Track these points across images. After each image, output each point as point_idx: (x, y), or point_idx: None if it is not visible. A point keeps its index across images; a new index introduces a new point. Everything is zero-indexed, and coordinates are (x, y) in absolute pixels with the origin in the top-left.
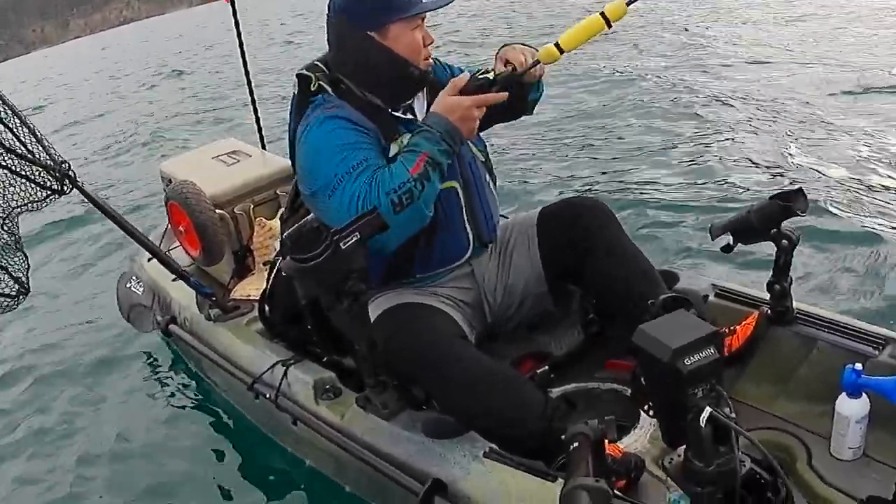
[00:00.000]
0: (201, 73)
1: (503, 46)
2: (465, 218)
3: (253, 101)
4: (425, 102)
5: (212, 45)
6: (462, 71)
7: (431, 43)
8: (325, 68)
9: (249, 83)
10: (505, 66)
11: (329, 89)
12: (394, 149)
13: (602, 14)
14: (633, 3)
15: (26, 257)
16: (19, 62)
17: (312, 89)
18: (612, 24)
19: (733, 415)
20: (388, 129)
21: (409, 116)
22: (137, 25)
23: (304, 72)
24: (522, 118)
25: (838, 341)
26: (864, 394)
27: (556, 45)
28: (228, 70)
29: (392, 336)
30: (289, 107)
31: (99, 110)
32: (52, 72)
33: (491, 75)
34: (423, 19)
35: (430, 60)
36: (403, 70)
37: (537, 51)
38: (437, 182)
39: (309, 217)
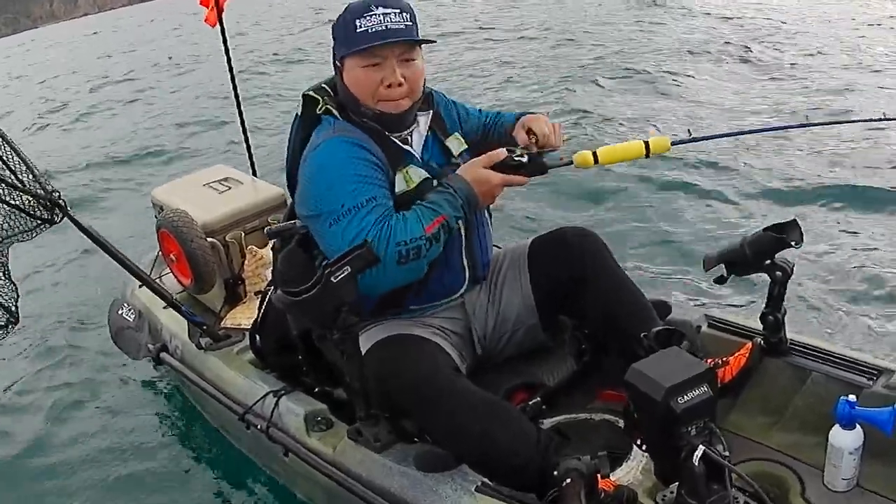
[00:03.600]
0: (193, 88)
1: (525, 114)
2: (464, 255)
3: (244, 128)
4: (426, 135)
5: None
6: (477, 112)
7: (399, 86)
8: (331, 91)
9: (240, 110)
10: (528, 135)
11: (336, 113)
12: (399, 180)
13: (646, 143)
14: (677, 144)
15: (15, 287)
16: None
17: (319, 112)
18: (650, 156)
19: (727, 452)
20: (394, 158)
21: (407, 147)
22: (143, 7)
23: (312, 93)
24: None
25: (832, 372)
26: (857, 425)
27: (594, 154)
28: (219, 86)
29: (384, 368)
30: (291, 127)
31: (86, 128)
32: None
33: (518, 152)
34: (388, 58)
35: (402, 102)
36: (355, 107)
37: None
38: (443, 243)
39: (298, 224)
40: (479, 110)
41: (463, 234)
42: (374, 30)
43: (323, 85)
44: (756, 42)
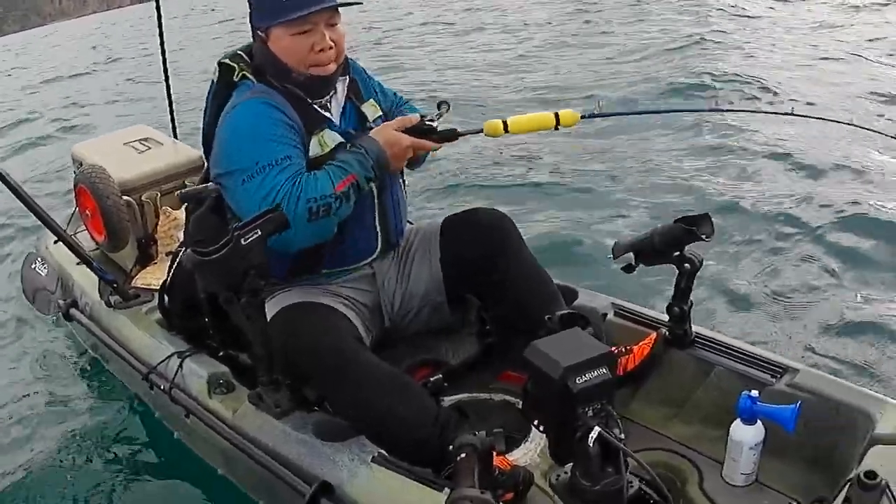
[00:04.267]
0: (136, 60)
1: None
2: (377, 218)
3: (168, 90)
4: (344, 103)
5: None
6: (392, 92)
7: (330, 49)
8: (247, 58)
9: (166, 71)
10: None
11: (253, 79)
12: (314, 144)
13: (556, 115)
14: (586, 118)
15: None
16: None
17: (236, 79)
18: (560, 128)
19: (623, 436)
20: (310, 122)
21: (326, 114)
22: (150, 6)
23: (227, 61)
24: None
25: (736, 367)
26: (759, 421)
27: (504, 123)
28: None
29: (288, 334)
30: (207, 95)
31: (15, 94)
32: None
33: (435, 123)
34: (318, 24)
35: (330, 66)
36: (285, 75)
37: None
38: (353, 202)
39: (210, 186)
40: (395, 93)
41: (375, 196)
42: None
43: (238, 52)
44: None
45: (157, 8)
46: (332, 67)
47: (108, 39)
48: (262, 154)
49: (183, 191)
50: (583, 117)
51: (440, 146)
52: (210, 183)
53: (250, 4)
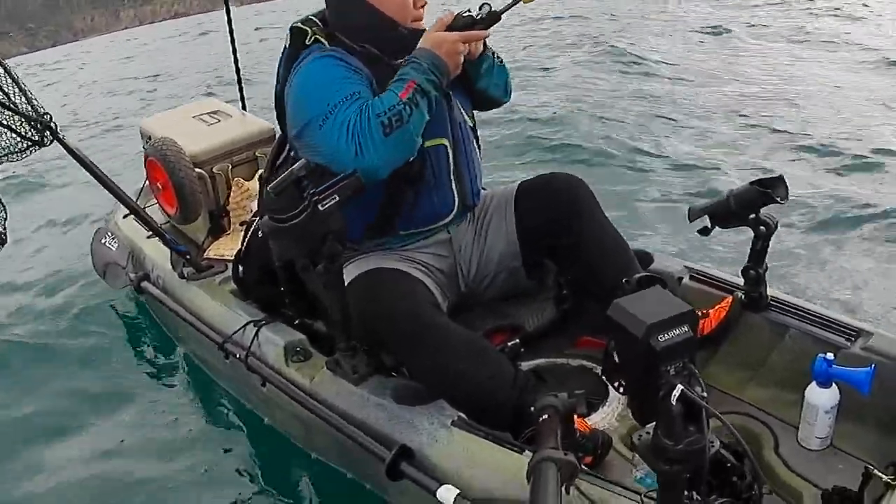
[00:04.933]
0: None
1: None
2: (452, 178)
3: (236, 62)
4: None
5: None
6: None
7: (424, 5)
8: (320, 23)
9: (233, 42)
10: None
11: (325, 42)
12: None
13: None
14: None
15: (4, 208)
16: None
17: (308, 43)
18: None
19: (705, 394)
20: (384, 80)
21: None
22: (186, 21)
23: (300, 25)
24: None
25: (811, 330)
26: (834, 384)
27: None
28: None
29: (366, 300)
30: (279, 60)
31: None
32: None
33: (474, 13)
34: None
35: (422, 22)
36: (392, 30)
37: None
38: (426, 111)
39: (294, 167)
40: None
41: (451, 155)
42: None
43: (311, 17)
44: None
45: None
46: (424, 24)
47: (147, 48)
48: (332, 95)
49: (271, 185)
50: None
51: (488, 32)
52: (293, 167)
53: None
